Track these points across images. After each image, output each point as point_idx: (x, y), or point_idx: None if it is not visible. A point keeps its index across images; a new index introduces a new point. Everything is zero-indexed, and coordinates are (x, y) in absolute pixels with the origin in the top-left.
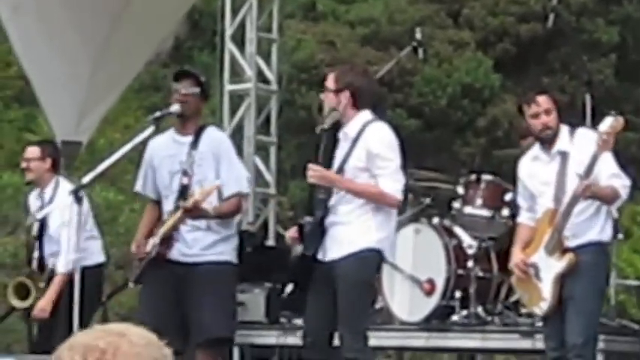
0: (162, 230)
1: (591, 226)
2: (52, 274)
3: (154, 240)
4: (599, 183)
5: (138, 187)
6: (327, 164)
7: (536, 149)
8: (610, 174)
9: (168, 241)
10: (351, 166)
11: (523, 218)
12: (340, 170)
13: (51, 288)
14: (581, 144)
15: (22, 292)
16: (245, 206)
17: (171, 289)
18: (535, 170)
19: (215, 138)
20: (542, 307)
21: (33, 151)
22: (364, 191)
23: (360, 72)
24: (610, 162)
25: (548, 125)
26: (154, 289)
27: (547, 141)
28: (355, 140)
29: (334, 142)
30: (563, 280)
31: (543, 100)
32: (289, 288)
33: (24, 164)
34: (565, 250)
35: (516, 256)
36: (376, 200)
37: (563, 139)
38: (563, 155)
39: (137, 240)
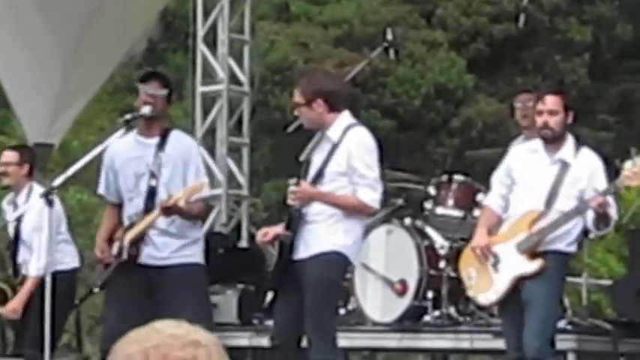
0: (134, 231)
1: (565, 238)
2: (25, 278)
3: (123, 243)
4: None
5: (101, 189)
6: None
7: (536, 143)
8: (611, 204)
9: (138, 243)
10: (330, 170)
11: (492, 202)
12: (320, 173)
13: (22, 290)
14: (583, 162)
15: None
16: (218, 208)
17: (139, 292)
18: (530, 163)
19: (184, 143)
20: (489, 298)
21: (11, 156)
22: (344, 204)
23: (323, 75)
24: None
25: (548, 125)
26: (122, 293)
27: (548, 141)
28: (336, 144)
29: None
30: (523, 280)
31: (550, 100)
32: (269, 296)
33: (1, 168)
34: (535, 254)
35: (482, 237)
36: (355, 211)
37: (568, 150)
38: (564, 165)
39: (100, 245)
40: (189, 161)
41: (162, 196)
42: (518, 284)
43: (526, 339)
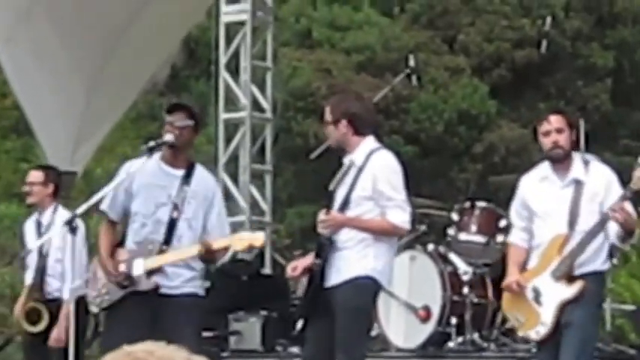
0: (157, 262)
1: (598, 256)
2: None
3: (132, 269)
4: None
5: (105, 206)
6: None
7: (545, 169)
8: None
9: (154, 273)
10: (356, 195)
11: (516, 238)
12: (347, 200)
13: (61, 317)
14: (595, 177)
15: (33, 316)
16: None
17: (145, 318)
18: (544, 190)
19: (209, 182)
20: (539, 332)
21: (36, 176)
22: (376, 228)
23: (353, 98)
24: (630, 205)
25: (559, 144)
26: (128, 319)
27: (558, 161)
28: (361, 169)
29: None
30: (565, 307)
31: (555, 119)
32: (300, 324)
33: (26, 188)
34: (572, 277)
35: (512, 276)
36: (387, 234)
37: (578, 168)
38: (578, 184)
39: (110, 265)
40: (214, 201)
41: (181, 230)
42: (564, 311)
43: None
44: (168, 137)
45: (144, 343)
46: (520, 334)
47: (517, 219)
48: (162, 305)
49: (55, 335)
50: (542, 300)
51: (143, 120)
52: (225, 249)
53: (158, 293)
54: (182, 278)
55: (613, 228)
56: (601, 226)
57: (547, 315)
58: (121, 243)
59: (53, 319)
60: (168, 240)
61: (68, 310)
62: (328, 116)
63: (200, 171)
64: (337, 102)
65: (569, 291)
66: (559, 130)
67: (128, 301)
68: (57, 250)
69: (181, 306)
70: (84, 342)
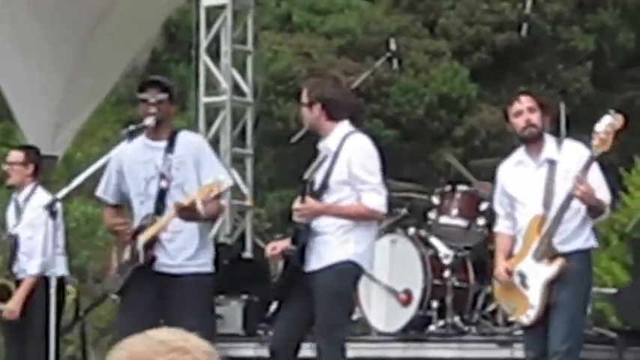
0: (147, 234)
1: (579, 234)
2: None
3: (136, 247)
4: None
5: (99, 192)
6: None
7: (519, 154)
8: (597, 185)
9: (152, 246)
10: (333, 180)
11: (501, 227)
12: (324, 185)
13: (20, 289)
14: (568, 155)
15: (3, 294)
16: (222, 218)
17: (153, 300)
18: (519, 175)
19: (192, 142)
20: (529, 315)
21: (17, 156)
22: (353, 213)
23: (330, 83)
24: (598, 174)
25: (532, 122)
26: (137, 301)
27: (532, 141)
28: (336, 154)
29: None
30: (551, 286)
31: (526, 99)
32: (274, 306)
33: (6, 167)
34: (554, 256)
35: (500, 264)
36: (365, 218)
37: (551, 148)
38: (552, 163)
39: (118, 222)
40: (201, 159)
41: (174, 198)
42: (550, 291)
43: (552, 343)
44: (149, 121)
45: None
46: (512, 319)
47: (499, 207)
48: (169, 286)
49: (10, 306)
50: (528, 283)
51: (123, 104)
52: (197, 202)
53: (160, 272)
54: (184, 256)
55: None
56: (568, 201)
57: (534, 297)
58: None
59: (31, 299)
60: (159, 210)
61: (30, 284)
62: (304, 98)
63: (184, 135)
64: (313, 85)
65: (550, 270)
66: (531, 109)
67: (133, 283)
68: (28, 228)
69: (185, 287)
70: (63, 325)
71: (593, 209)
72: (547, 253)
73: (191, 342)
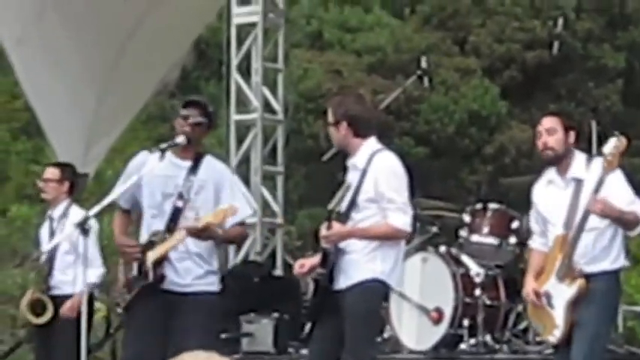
0: (157, 252)
1: (607, 255)
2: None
3: (145, 264)
4: (619, 207)
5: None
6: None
7: (550, 173)
8: (630, 200)
9: (161, 264)
10: (362, 198)
11: (536, 243)
12: (353, 202)
13: (77, 294)
14: (595, 172)
15: (38, 308)
16: (253, 236)
17: (160, 318)
18: (550, 194)
19: (217, 168)
20: (555, 335)
21: (53, 172)
22: (379, 234)
23: (354, 100)
24: (626, 189)
25: (548, 145)
26: (143, 319)
27: (551, 163)
28: (364, 172)
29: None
30: (575, 306)
31: (547, 120)
32: (308, 327)
33: (41, 184)
34: (575, 277)
35: (528, 285)
36: (390, 238)
37: (579, 166)
38: (578, 182)
39: (126, 242)
40: (222, 185)
41: (188, 219)
42: (573, 311)
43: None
44: (180, 139)
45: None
46: (542, 339)
47: (534, 224)
48: (178, 305)
49: (69, 304)
50: (554, 303)
51: (154, 121)
52: (234, 228)
53: (169, 290)
54: (193, 275)
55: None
56: (584, 219)
57: (559, 317)
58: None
59: (57, 313)
60: (171, 229)
61: (81, 299)
62: (330, 117)
63: (209, 160)
64: (337, 103)
65: (570, 291)
66: (550, 131)
67: (145, 301)
68: (66, 244)
69: (193, 304)
70: (93, 343)
71: (625, 223)
72: (568, 273)
73: None
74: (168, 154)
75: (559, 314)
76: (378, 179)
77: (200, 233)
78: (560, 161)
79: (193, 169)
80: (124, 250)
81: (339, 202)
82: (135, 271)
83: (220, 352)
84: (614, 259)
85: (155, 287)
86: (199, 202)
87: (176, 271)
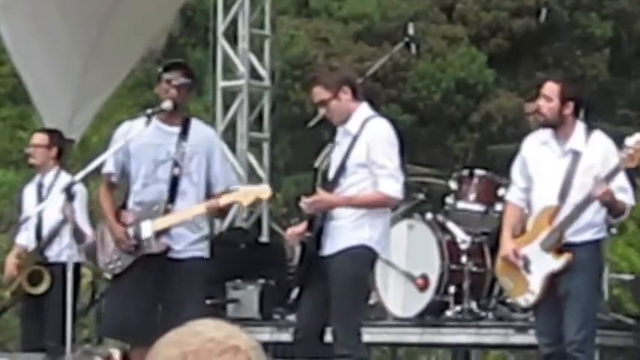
0: (165, 222)
1: (591, 226)
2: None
3: (141, 231)
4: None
5: (110, 168)
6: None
7: (547, 134)
8: (619, 186)
9: (162, 233)
10: (351, 162)
11: (514, 198)
12: (342, 167)
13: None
14: (594, 150)
15: (35, 278)
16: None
17: (151, 282)
18: (542, 154)
19: (206, 133)
20: (527, 300)
21: (41, 138)
22: (368, 202)
23: (340, 66)
24: (623, 176)
25: (540, 110)
26: (134, 282)
27: (542, 126)
28: (356, 137)
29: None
30: (556, 277)
31: (548, 87)
32: (295, 292)
33: (29, 149)
34: (561, 249)
35: (507, 244)
36: (381, 205)
37: (578, 138)
38: (576, 154)
39: (121, 230)
40: (213, 151)
41: (184, 186)
42: (552, 282)
43: (567, 332)
44: (167, 104)
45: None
46: (510, 299)
47: (518, 177)
48: (168, 269)
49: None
50: (531, 268)
51: (140, 88)
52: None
53: (166, 257)
54: (187, 241)
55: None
56: (587, 202)
57: (535, 284)
58: (123, 206)
59: (53, 283)
60: (172, 198)
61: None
62: (324, 93)
63: (197, 125)
64: (329, 75)
65: (557, 263)
66: (546, 98)
67: (136, 265)
68: (57, 214)
69: (186, 271)
70: (79, 308)
71: (614, 210)
72: (555, 245)
73: (242, 339)
74: (155, 121)
75: (535, 281)
76: (371, 145)
77: (219, 211)
78: (554, 129)
79: (183, 135)
80: (120, 243)
81: (324, 160)
82: (132, 241)
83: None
84: (598, 230)
85: (150, 255)
86: (193, 167)
87: (170, 236)
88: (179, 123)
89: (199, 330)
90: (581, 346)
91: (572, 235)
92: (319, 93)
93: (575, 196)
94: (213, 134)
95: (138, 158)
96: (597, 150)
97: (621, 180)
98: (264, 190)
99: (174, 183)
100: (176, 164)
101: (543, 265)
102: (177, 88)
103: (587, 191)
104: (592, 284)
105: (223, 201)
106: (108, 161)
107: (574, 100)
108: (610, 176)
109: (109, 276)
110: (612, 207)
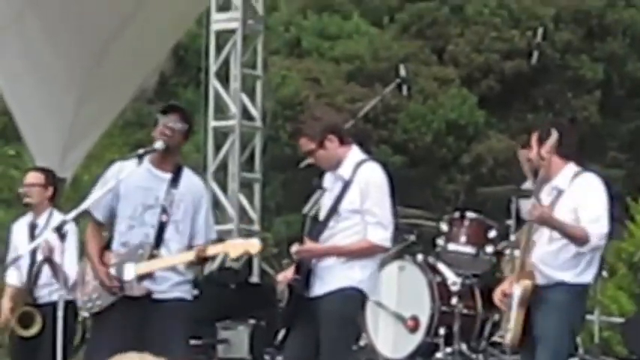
0: (151, 266)
1: (570, 267)
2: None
3: (123, 274)
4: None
5: (97, 208)
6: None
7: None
8: (590, 219)
9: (145, 277)
10: (344, 208)
11: None
12: (334, 210)
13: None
14: (578, 185)
15: (26, 320)
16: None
17: (132, 324)
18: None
19: (196, 184)
20: (505, 337)
21: (37, 177)
22: (354, 250)
23: (323, 111)
24: (596, 205)
25: (521, 159)
26: (115, 325)
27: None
28: (349, 182)
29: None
30: (532, 314)
31: (532, 137)
32: (282, 334)
33: (24, 189)
34: (526, 277)
35: (500, 287)
36: (366, 253)
37: (563, 177)
38: (559, 192)
39: (104, 272)
40: (200, 203)
41: (169, 233)
42: (526, 319)
43: None
44: (159, 144)
45: (130, 354)
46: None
47: None
48: (150, 310)
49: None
50: (512, 303)
51: (131, 127)
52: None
53: (149, 298)
54: (170, 282)
55: None
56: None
57: (512, 319)
58: (107, 246)
59: (45, 324)
60: (158, 244)
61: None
62: (309, 144)
63: (188, 174)
64: (311, 124)
65: (517, 291)
66: (524, 146)
67: (117, 306)
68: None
69: (169, 311)
70: (71, 349)
71: (569, 237)
72: (520, 273)
73: None
74: (148, 165)
75: (512, 315)
76: (365, 193)
77: (206, 260)
78: (546, 170)
79: (174, 182)
80: (103, 284)
81: (313, 207)
82: (114, 282)
83: (194, 358)
84: (579, 274)
85: (131, 297)
86: (180, 215)
87: (154, 278)
88: (171, 169)
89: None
90: None
91: (550, 273)
92: (304, 144)
93: (554, 233)
94: (203, 187)
95: (126, 200)
96: (578, 189)
97: (594, 212)
98: (253, 245)
99: (160, 229)
100: (164, 211)
101: (514, 295)
102: (172, 131)
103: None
104: (562, 327)
105: (211, 251)
106: (96, 201)
107: (548, 137)
108: (552, 203)
109: (86, 314)
110: (561, 232)
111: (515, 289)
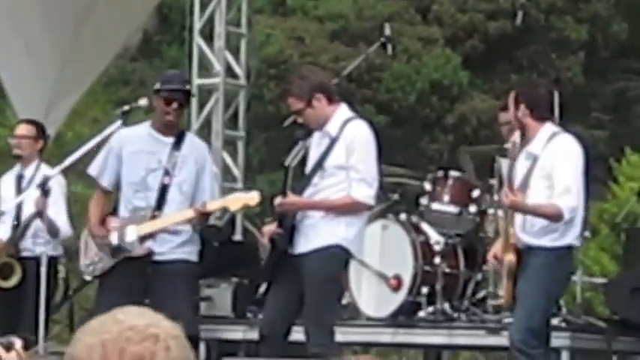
0: (152, 227)
1: (548, 232)
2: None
3: (125, 235)
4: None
5: (93, 170)
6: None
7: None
8: (559, 191)
9: (147, 238)
10: (330, 164)
11: None
12: (319, 166)
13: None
14: (550, 150)
15: (6, 271)
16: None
17: (136, 286)
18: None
19: (199, 147)
20: (498, 302)
21: (28, 129)
22: (336, 206)
23: (311, 70)
24: (566, 173)
25: (501, 121)
26: (119, 287)
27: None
28: (335, 138)
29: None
30: (518, 280)
31: (508, 97)
32: (263, 288)
33: (14, 140)
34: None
35: (492, 249)
36: (348, 210)
37: (538, 141)
38: (534, 159)
39: (100, 231)
40: (204, 166)
41: (172, 194)
42: (514, 283)
43: (510, 332)
44: (142, 101)
45: (129, 308)
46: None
47: None
48: (153, 272)
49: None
50: (502, 273)
51: (115, 85)
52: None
53: (151, 260)
54: (171, 244)
55: None
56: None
57: (503, 287)
58: (114, 212)
59: (25, 277)
60: (160, 205)
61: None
62: (298, 103)
63: (191, 137)
64: (299, 84)
65: (505, 262)
66: (504, 108)
67: (120, 269)
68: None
69: (171, 273)
70: (52, 305)
71: (542, 217)
72: (505, 246)
73: (162, 327)
74: (149, 130)
75: (503, 284)
76: (352, 150)
77: (206, 216)
78: (523, 132)
79: (176, 145)
80: (97, 241)
81: (295, 158)
82: (115, 241)
83: (196, 318)
84: (557, 238)
85: (135, 259)
86: (182, 176)
87: (155, 240)
88: (173, 134)
89: (120, 318)
90: (520, 346)
91: (529, 239)
92: (293, 104)
93: (531, 197)
94: (207, 150)
95: (129, 164)
96: (550, 154)
97: (565, 181)
98: (252, 197)
99: (163, 191)
100: (167, 173)
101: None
102: (178, 111)
103: (545, 193)
104: (539, 290)
105: (212, 206)
106: (102, 168)
107: (525, 101)
108: (521, 186)
109: (88, 277)
110: (538, 216)
111: (504, 259)
